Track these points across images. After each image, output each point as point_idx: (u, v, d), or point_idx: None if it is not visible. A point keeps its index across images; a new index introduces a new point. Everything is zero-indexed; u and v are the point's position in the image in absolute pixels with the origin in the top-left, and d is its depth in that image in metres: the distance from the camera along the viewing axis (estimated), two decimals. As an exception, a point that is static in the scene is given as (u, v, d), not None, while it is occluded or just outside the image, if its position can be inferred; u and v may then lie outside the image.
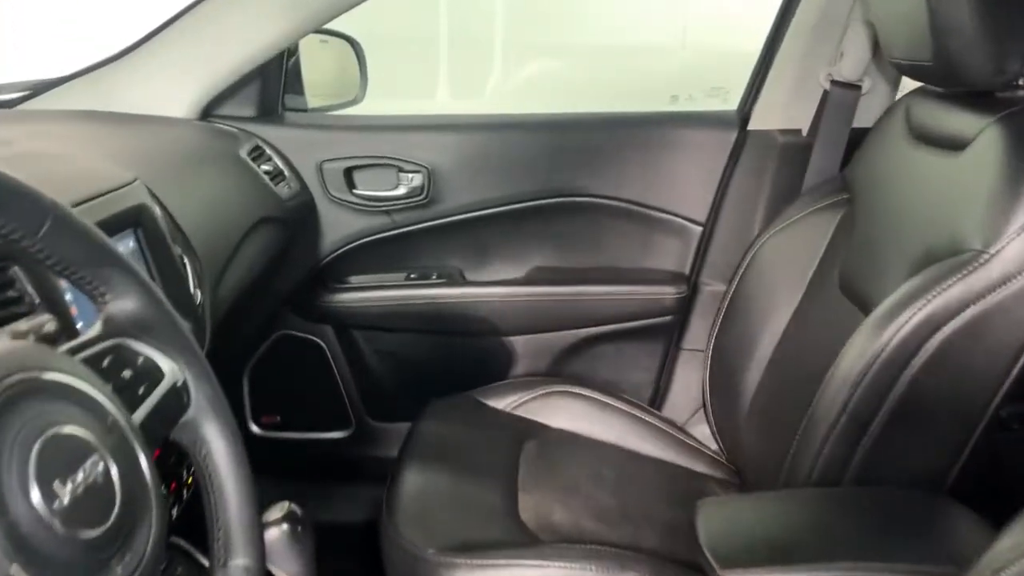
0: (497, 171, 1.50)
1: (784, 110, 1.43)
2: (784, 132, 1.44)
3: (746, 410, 1.27)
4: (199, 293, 1.01)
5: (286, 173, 1.46)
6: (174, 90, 1.38)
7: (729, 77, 1.76)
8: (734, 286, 1.35)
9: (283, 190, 1.41)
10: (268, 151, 1.45)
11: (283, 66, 1.54)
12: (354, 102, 1.70)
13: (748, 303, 1.33)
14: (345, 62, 1.71)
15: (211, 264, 1.09)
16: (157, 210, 0.95)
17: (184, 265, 0.99)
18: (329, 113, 1.64)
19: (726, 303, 1.36)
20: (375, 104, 1.66)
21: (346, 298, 1.56)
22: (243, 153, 1.36)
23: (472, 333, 1.58)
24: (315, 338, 1.60)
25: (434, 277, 1.58)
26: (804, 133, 1.43)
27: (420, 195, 1.50)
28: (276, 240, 1.38)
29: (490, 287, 1.56)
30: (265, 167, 1.40)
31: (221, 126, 1.44)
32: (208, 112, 1.43)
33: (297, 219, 1.46)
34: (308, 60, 1.66)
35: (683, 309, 1.56)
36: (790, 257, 1.28)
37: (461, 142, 1.50)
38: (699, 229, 1.53)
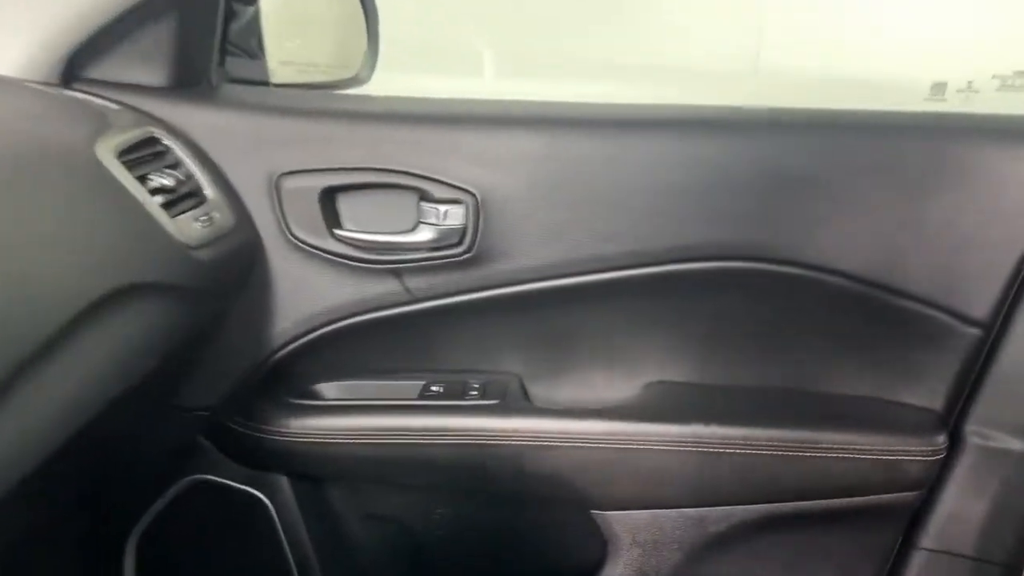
0: (601, 207, 0.81)
1: None
2: None
3: None
4: None
5: (208, 193, 0.76)
6: (10, 27, 0.74)
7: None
8: None
9: (191, 228, 0.71)
10: (176, 150, 0.76)
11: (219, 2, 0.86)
12: (355, 81, 1.03)
13: None
14: (341, 13, 1.03)
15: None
16: None
17: None
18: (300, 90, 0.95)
19: None
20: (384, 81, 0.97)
21: (312, 425, 0.86)
22: (104, 150, 0.66)
23: (540, 498, 0.88)
24: (254, 491, 0.90)
25: (473, 393, 0.87)
26: None
27: (458, 244, 0.81)
28: (166, 325, 0.68)
29: (575, 419, 0.86)
30: (160, 179, 0.70)
31: (86, 97, 0.75)
32: (75, 72, 0.77)
33: (221, 284, 0.76)
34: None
35: (933, 478, 0.84)
36: None
37: (538, 150, 0.80)
38: (976, 333, 0.82)
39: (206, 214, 0.75)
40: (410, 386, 0.90)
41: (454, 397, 0.88)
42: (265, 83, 0.94)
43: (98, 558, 0.94)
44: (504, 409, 0.86)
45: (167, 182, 0.71)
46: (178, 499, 0.91)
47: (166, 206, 0.70)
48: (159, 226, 0.67)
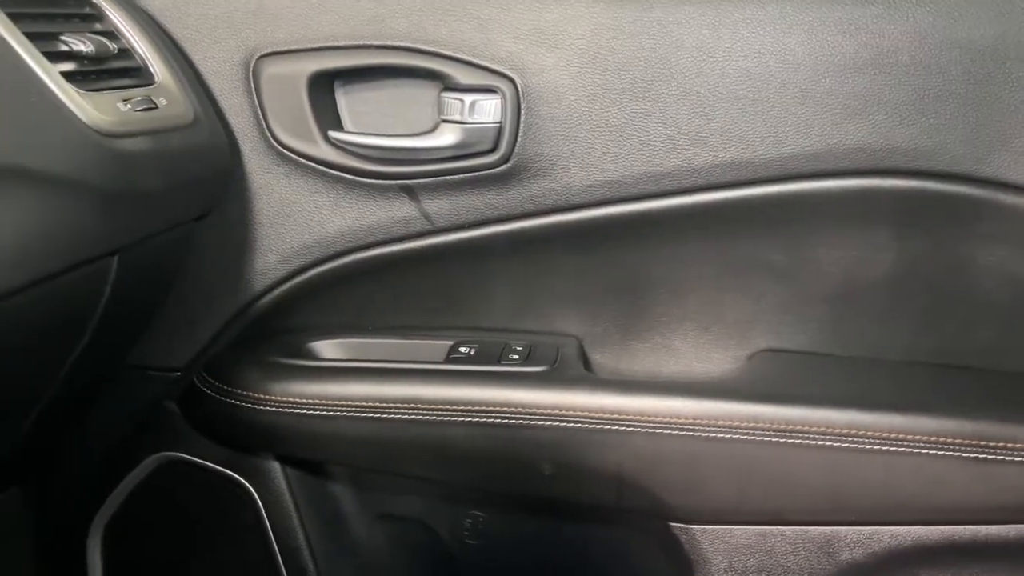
0: (689, 96, 0.59)
1: None
2: None
3: None
4: None
5: (157, 74, 0.57)
6: None
7: None
8: None
9: (110, 109, 0.52)
10: (112, 15, 0.59)
11: None
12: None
13: None
14: None
15: None
16: None
17: None
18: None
19: None
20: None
21: (302, 392, 0.66)
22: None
23: (602, 503, 0.67)
24: (236, 475, 0.71)
25: (514, 358, 0.65)
26: None
27: (491, 150, 0.61)
28: (57, 232, 0.48)
29: (652, 396, 0.63)
30: (75, 43, 0.52)
31: None
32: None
33: (163, 193, 0.56)
34: None
35: None
36: None
37: (601, 18, 0.60)
38: None
39: (145, 98, 0.55)
40: (433, 346, 0.69)
41: (489, 362, 0.66)
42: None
43: (57, 552, 0.76)
44: (555, 379, 0.64)
45: (83, 48, 0.53)
46: (147, 481, 0.73)
47: (76, 77, 0.51)
48: (54, 98, 0.48)
